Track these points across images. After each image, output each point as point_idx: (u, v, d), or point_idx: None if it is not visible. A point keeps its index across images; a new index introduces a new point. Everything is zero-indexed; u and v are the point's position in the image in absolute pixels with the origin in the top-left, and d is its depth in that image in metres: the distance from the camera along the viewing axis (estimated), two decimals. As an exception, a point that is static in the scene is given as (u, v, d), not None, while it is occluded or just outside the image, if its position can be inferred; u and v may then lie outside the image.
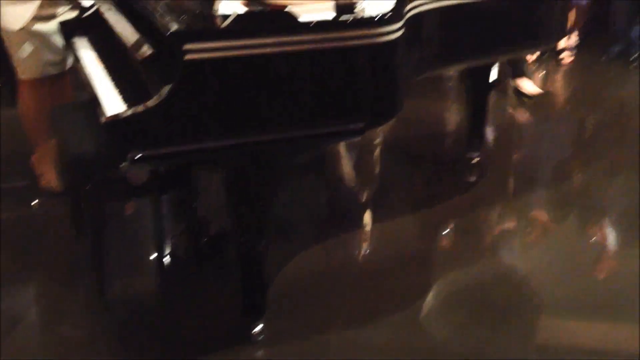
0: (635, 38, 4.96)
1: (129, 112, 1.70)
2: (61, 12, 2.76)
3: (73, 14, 2.80)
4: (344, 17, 1.82)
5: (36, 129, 2.92)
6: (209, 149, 1.75)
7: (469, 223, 2.84)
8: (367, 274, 2.46)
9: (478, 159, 3.29)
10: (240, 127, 1.76)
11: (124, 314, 2.27)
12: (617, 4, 5.00)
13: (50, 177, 3.00)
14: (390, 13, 1.92)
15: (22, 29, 2.67)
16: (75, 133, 2.24)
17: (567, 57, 5.04)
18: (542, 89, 4.49)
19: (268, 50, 1.74)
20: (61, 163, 2.95)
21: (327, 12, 1.88)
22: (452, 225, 2.82)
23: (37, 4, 2.66)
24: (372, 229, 2.83)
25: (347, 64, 1.84)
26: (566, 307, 2.26)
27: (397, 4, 2.01)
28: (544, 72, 4.51)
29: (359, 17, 1.86)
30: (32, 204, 2.94)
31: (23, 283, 2.44)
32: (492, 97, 3.33)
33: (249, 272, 2.04)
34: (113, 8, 2.41)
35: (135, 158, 1.68)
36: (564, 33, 2.95)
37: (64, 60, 2.83)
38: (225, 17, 1.83)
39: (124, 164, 1.69)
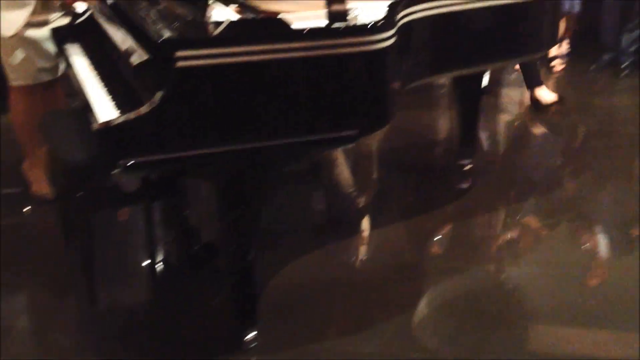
0: (625, 47, 4.99)
1: (121, 119, 1.70)
2: (54, 19, 2.75)
3: (65, 20, 2.80)
4: (336, 25, 1.83)
5: (27, 136, 2.92)
6: (201, 156, 1.75)
7: (460, 231, 2.84)
8: (359, 282, 2.46)
9: (470, 166, 3.30)
10: (232, 134, 1.76)
11: (115, 322, 2.25)
12: (608, 13, 5.04)
13: (41, 185, 2.99)
14: (383, 21, 1.92)
15: (14, 35, 2.66)
16: (67, 140, 2.23)
17: (558, 65, 5.08)
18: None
19: (261, 57, 1.74)
20: (52, 170, 2.95)
21: (319, 20, 1.89)
22: (444, 233, 2.82)
23: (29, 10, 2.66)
24: (364, 237, 2.83)
25: (340, 71, 1.84)
26: (558, 315, 2.26)
27: (389, 11, 2.03)
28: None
29: (352, 24, 1.87)
30: (24, 210, 2.93)
31: (14, 290, 2.42)
32: (483, 104, 3.33)
33: (238, 281, 2.04)
34: (107, 14, 2.41)
35: (127, 165, 1.68)
36: (555, 41, 2.97)
37: (56, 67, 2.83)
38: (218, 24, 1.83)
39: (115, 171, 1.69)
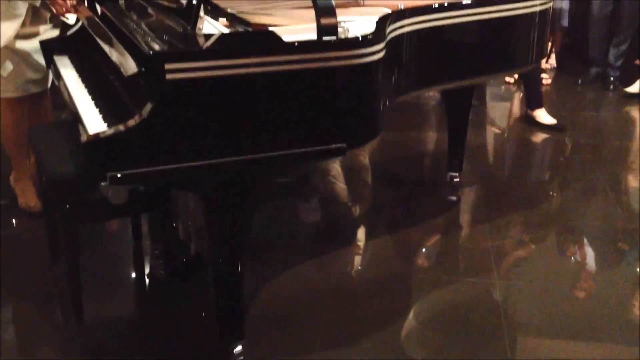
0: (613, 61, 5.05)
1: (110, 131, 1.70)
2: (43, 31, 2.75)
3: (55, 32, 2.79)
4: (327, 38, 1.83)
5: (15, 147, 2.90)
6: (190, 168, 1.75)
7: (450, 243, 2.85)
8: (348, 293, 2.46)
9: (458, 179, 3.32)
10: (222, 147, 1.76)
11: (101, 334, 2.23)
12: (594, 27, 5.09)
13: (28, 197, 2.97)
14: (372, 34, 1.94)
15: (4, 47, 2.66)
16: (54, 152, 2.22)
17: (545, 79, 5.12)
18: (520, 110, 4.55)
19: (251, 70, 1.74)
20: (40, 183, 2.93)
21: (310, 33, 1.90)
22: (433, 245, 2.83)
23: (19, 22, 2.65)
24: (354, 249, 2.83)
25: (330, 84, 1.85)
26: (545, 327, 2.27)
27: (378, 25, 2.04)
28: (523, 93, 4.57)
29: (342, 37, 1.88)
30: (12, 222, 2.91)
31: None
32: (472, 118, 3.36)
33: (226, 294, 2.03)
34: (97, 26, 2.41)
35: (116, 177, 1.68)
36: (543, 55, 3.00)
37: (45, 79, 2.82)
38: (208, 36, 1.84)
39: (103, 183, 1.68)
